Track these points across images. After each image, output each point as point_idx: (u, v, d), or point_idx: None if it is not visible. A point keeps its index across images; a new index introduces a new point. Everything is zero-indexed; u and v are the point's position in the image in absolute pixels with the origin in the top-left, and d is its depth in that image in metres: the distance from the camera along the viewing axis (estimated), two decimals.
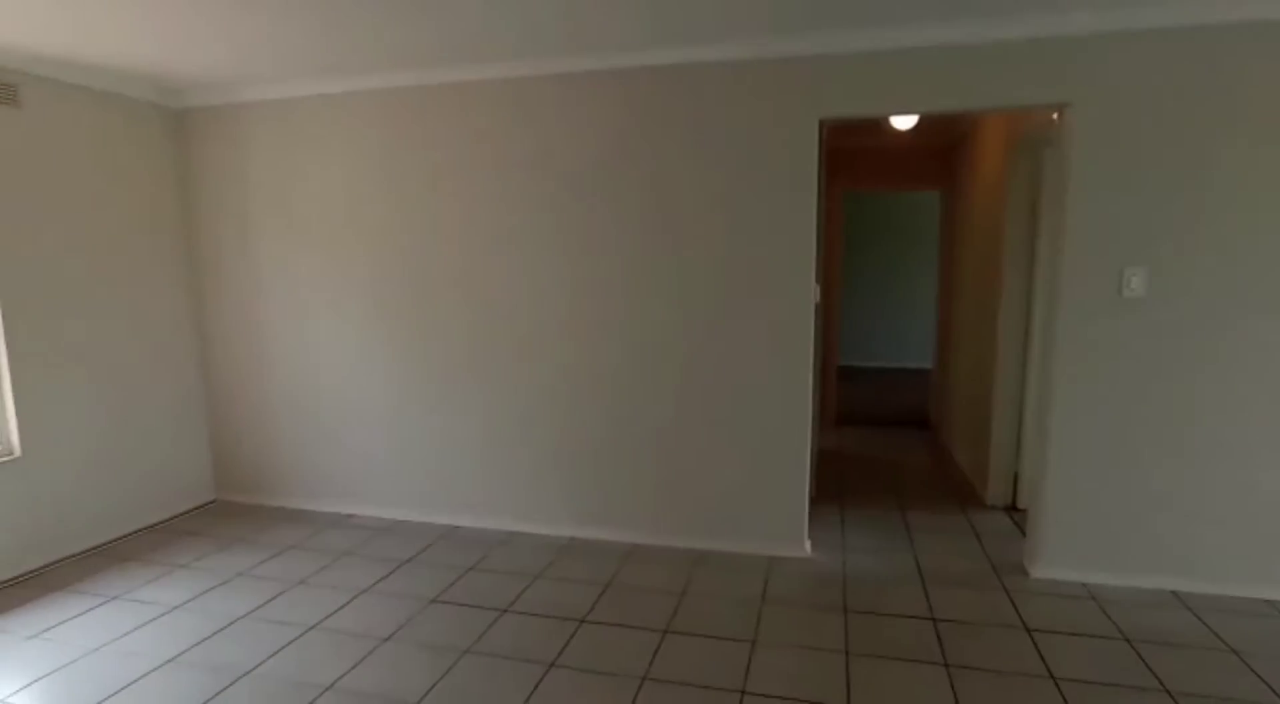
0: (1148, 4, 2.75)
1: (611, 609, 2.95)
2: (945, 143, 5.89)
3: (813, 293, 3.43)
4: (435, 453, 3.89)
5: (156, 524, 3.96)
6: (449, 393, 3.82)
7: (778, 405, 3.39)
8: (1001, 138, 4.24)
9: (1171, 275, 2.92)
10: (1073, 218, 2.98)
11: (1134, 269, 2.94)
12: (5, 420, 3.30)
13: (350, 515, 4.06)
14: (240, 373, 4.17)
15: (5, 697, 2.39)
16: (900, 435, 5.96)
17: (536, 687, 2.42)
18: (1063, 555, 3.16)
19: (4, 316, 3.25)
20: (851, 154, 6.03)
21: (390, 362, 3.88)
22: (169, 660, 2.60)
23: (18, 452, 3.32)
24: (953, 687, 2.38)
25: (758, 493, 3.48)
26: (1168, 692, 2.36)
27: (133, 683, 2.46)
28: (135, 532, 3.85)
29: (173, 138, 4.01)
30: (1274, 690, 2.36)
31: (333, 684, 2.45)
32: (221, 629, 2.82)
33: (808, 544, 3.50)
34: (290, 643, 2.71)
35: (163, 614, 2.95)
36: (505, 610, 2.95)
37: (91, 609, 3.00)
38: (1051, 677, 2.44)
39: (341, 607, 2.98)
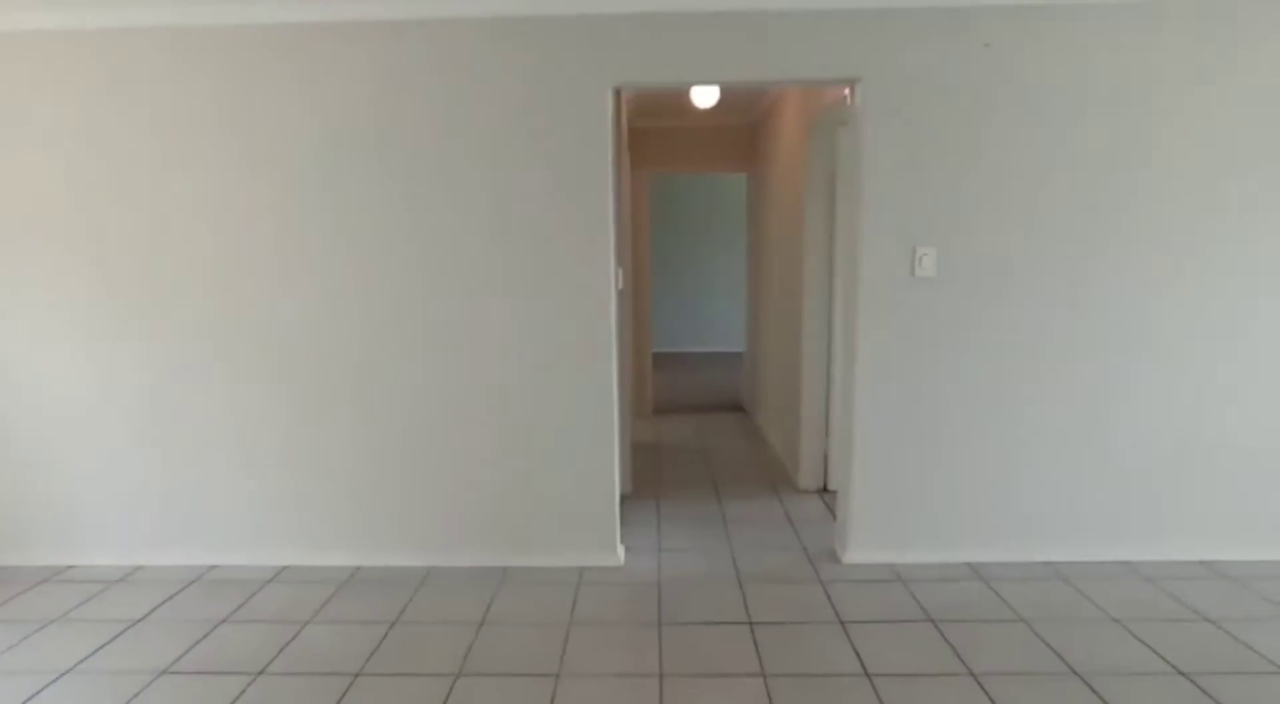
0: None
1: (395, 655, 2.52)
2: (749, 123, 5.88)
3: (614, 278, 3.16)
4: (186, 480, 3.21)
5: None
6: (201, 408, 3.16)
7: (580, 402, 3.10)
8: (799, 117, 4.21)
9: (958, 255, 2.95)
10: (867, 197, 2.92)
11: (925, 249, 2.93)
12: None
13: (68, 567, 3.28)
14: None
15: None
16: (716, 421, 5.92)
17: None
18: (871, 538, 3.14)
19: None
20: (656, 135, 5.86)
21: (122, 377, 3.15)
22: None
23: None
24: (770, 700, 2.21)
25: (564, 499, 3.17)
26: (972, 674, 2.33)
27: None
28: None
29: None
30: (1063, 659, 2.41)
31: None
32: None
33: (621, 550, 3.25)
34: None
35: None
36: (259, 673, 2.42)
37: None
38: (866, 674, 2.34)
39: (30, 699, 2.31)
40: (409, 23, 2.88)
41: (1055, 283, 2.96)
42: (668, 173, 6.09)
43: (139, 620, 2.79)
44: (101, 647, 2.61)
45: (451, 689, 2.31)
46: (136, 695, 2.30)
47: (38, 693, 2.34)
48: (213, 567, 3.26)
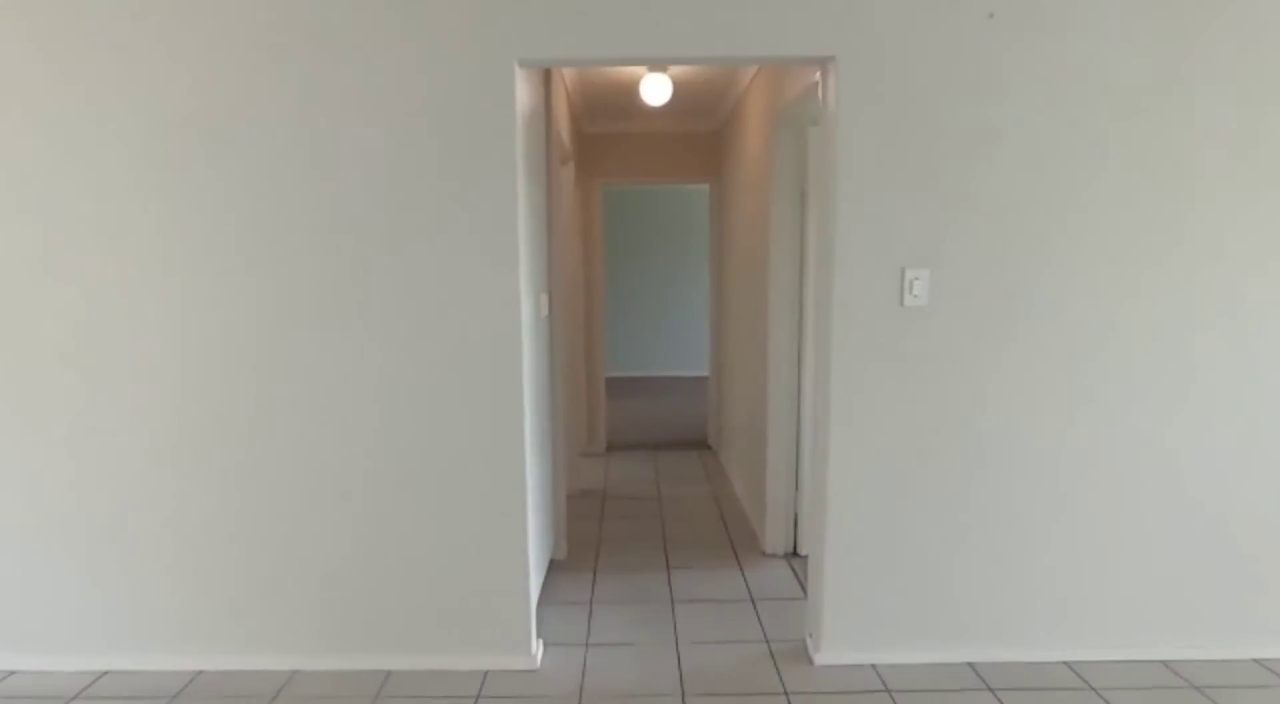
0: None
1: None
2: (712, 129, 5.29)
3: (535, 305, 2.53)
4: None
5: None
6: None
7: (480, 462, 2.43)
8: (764, 118, 3.61)
9: (957, 279, 2.34)
10: (843, 208, 2.30)
11: (916, 272, 2.32)
12: None
13: None
14: None
15: None
16: (676, 461, 5.26)
17: None
18: (849, 631, 2.49)
19: None
20: (610, 142, 5.25)
21: None
22: None
23: None
24: None
25: (462, 585, 2.49)
26: None
27: None
28: None
29: None
30: None
31: None
32: None
33: (537, 648, 2.57)
34: None
35: None
36: None
37: None
38: None
39: None
40: None
41: (1080, 317, 2.35)
42: (624, 184, 5.48)
43: None
44: None
45: None
46: None
47: None
48: (10, 673, 2.53)
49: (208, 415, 2.41)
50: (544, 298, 2.97)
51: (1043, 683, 2.38)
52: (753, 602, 3.03)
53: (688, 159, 5.30)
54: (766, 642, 2.69)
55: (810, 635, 2.61)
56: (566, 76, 4.03)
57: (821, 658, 2.51)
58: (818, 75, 2.46)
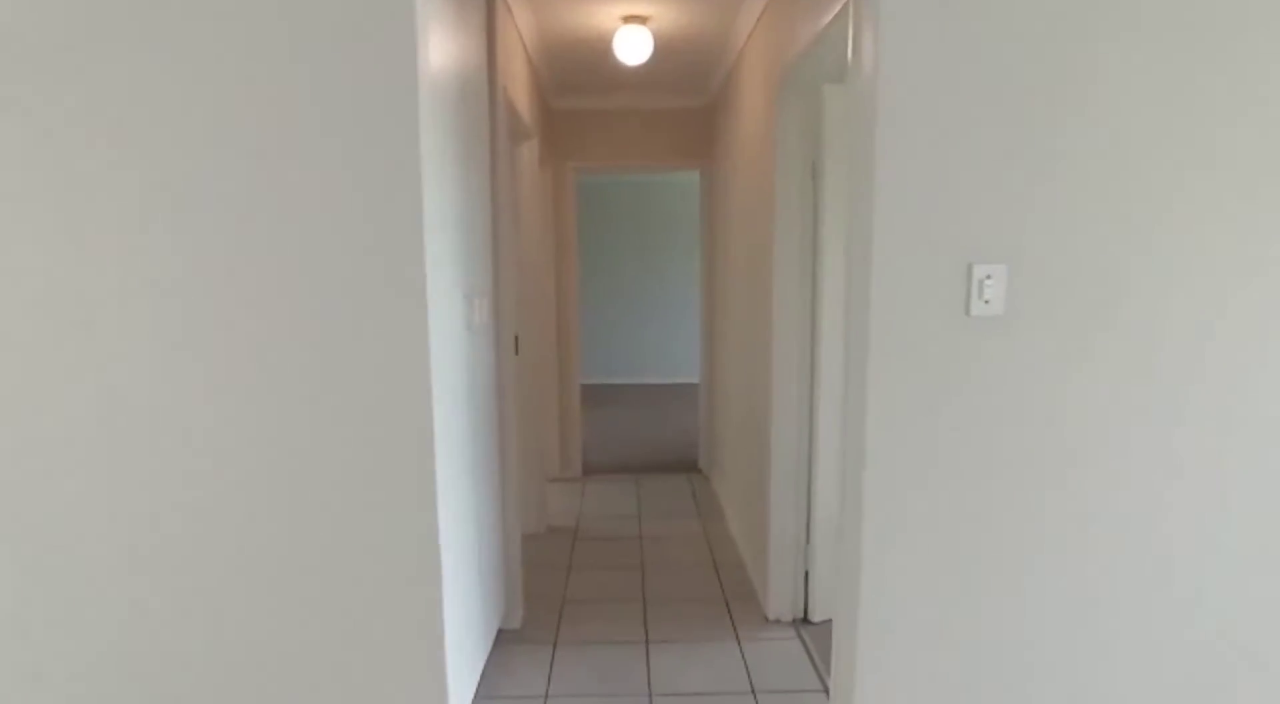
0: None
1: None
2: (702, 106, 4.60)
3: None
4: None
5: None
6: None
7: (373, 519, 1.73)
8: (763, 79, 2.92)
9: (1045, 278, 1.65)
10: (884, 182, 1.62)
11: (989, 268, 1.64)
12: None
13: None
14: None
15: None
16: (662, 488, 4.57)
17: None
18: None
19: None
20: (584, 121, 4.55)
21: None
22: None
23: None
24: None
25: (358, 687, 1.80)
26: None
27: None
28: None
29: None
30: None
31: None
32: None
33: None
34: None
35: None
36: None
37: None
38: None
39: None
40: None
41: (1220, 333, 1.67)
42: (601, 168, 4.79)
43: None
44: None
45: None
46: None
47: None
48: None
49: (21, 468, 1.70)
50: (481, 302, 2.27)
51: None
52: (754, 694, 2.34)
53: (674, 140, 4.61)
54: None
55: None
56: (528, 39, 3.33)
57: None
58: (839, 6, 1.78)
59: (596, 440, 5.75)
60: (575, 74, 3.99)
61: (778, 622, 2.82)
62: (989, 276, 1.64)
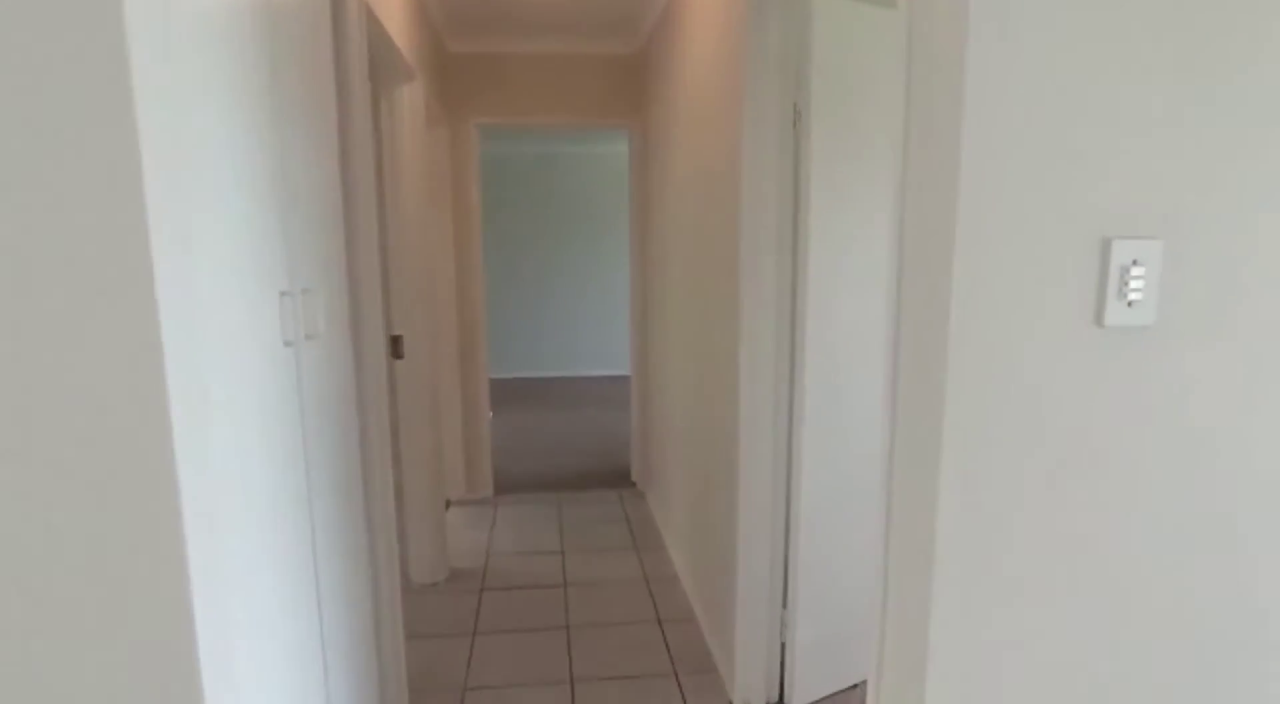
0: None
1: None
2: (632, 52, 3.85)
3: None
4: None
5: None
6: None
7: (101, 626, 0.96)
8: (724, 9, 2.21)
9: (1224, 266, 1.02)
10: (975, 121, 0.94)
11: (1136, 248, 0.99)
12: None
13: None
14: None
15: None
16: (591, 511, 3.87)
17: None
18: None
19: None
20: (485, 67, 3.75)
21: None
22: None
23: None
24: None
25: None
26: None
27: None
28: None
29: None
30: None
31: None
32: None
33: None
34: None
35: None
36: None
37: None
38: None
39: None
40: None
41: None
42: (512, 127, 4.00)
43: None
44: None
45: None
46: None
47: None
48: None
49: None
50: (317, 302, 1.50)
51: None
52: None
53: (599, 93, 3.86)
54: None
55: None
56: None
57: None
58: None
59: (513, 450, 4.99)
60: (474, 6, 3.19)
61: None
62: (1135, 262, 0.99)
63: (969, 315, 0.98)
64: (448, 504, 3.81)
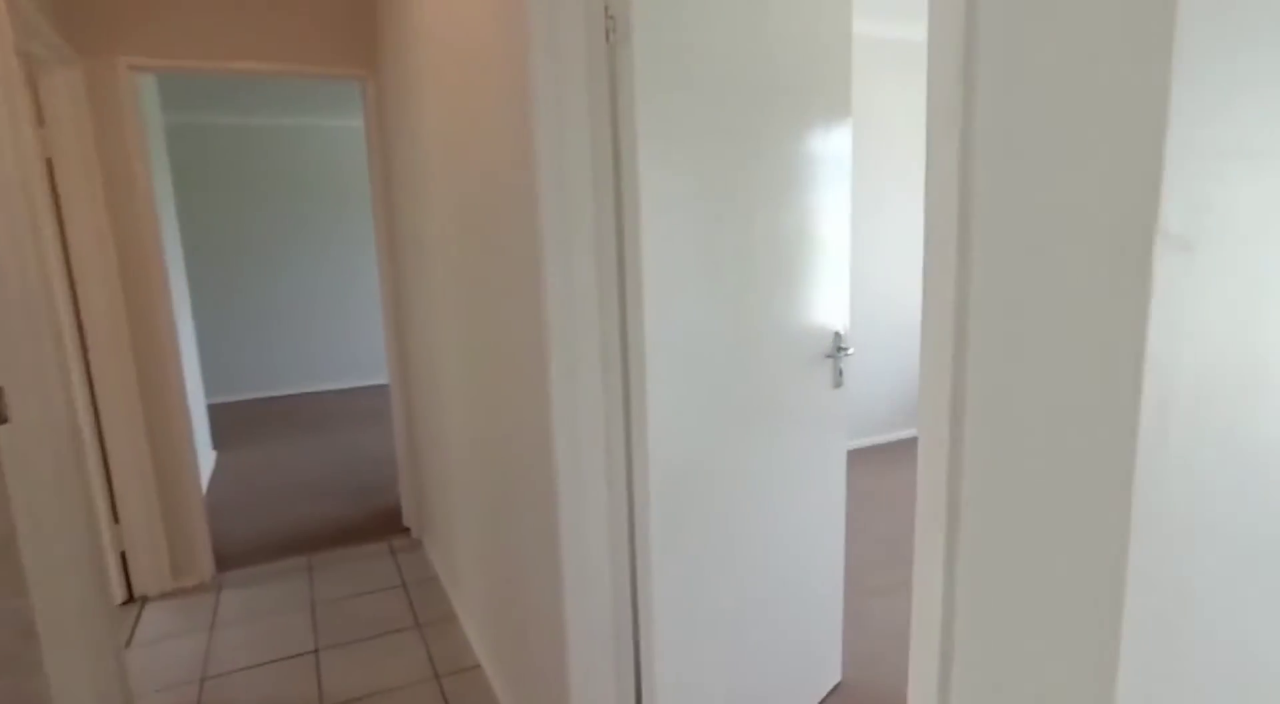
0: None
1: None
2: None
3: None
4: None
5: None
6: None
7: None
8: None
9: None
10: None
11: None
12: None
13: None
14: None
15: None
16: (353, 579, 2.98)
17: None
18: None
19: None
20: None
21: None
22: None
23: None
24: None
25: None
26: None
27: None
28: None
29: None
30: None
31: None
32: None
33: None
34: None
35: None
36: None
37: None
38: None
39: None
40: None
41: None
42: (194, 71, 2.93)
43: None
44: None
45: None
46: None
47: None
48: None
49: None
50: None
51: None
52: None
53: (316, 30, 2.93)
54: None
55: None
56: None
57: None
58: None
59: (242, 503, 3.88)
60: None
61: None
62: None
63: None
64: (140, 606, 2.73)
